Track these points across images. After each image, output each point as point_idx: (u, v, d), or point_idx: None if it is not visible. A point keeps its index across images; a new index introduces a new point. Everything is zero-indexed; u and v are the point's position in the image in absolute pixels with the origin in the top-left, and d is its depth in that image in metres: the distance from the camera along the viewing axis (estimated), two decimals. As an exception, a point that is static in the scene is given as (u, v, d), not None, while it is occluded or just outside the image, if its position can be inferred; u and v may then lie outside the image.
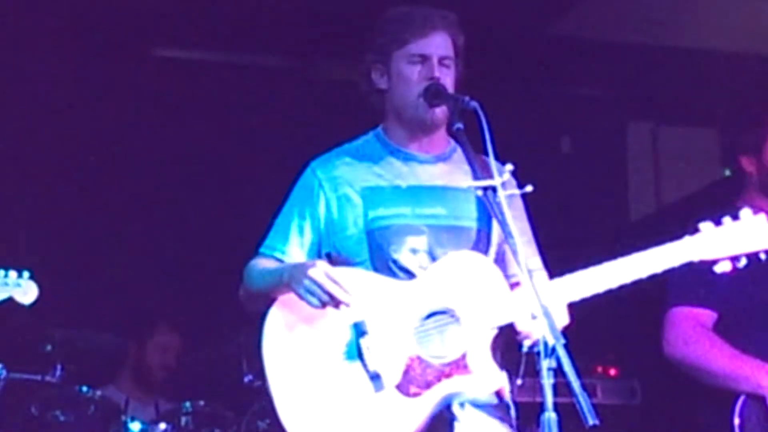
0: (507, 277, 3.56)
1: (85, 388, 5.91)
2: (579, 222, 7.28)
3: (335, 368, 3.45)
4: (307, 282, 3.40)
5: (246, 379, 6.10)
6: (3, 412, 5.55)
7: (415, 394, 3.40)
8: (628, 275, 3.47)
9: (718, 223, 3.55)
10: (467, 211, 3.63)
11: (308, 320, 3.50)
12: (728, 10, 6.39)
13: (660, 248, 3.50)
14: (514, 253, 3.24)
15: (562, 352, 2.98)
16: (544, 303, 3.07)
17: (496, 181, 3.34)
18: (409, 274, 3.55)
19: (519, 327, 3.41)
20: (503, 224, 3.28)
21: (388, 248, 3.57)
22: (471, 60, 3.78)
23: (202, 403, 6.16)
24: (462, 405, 3.47)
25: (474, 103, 3.42)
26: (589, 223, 7.36)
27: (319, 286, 3.38)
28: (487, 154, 3.36)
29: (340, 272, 3.51)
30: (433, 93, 3.59)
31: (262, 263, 3.69)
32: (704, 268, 4.33)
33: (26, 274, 4.91)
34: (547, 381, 2.98)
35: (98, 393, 5.95)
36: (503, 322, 3.44)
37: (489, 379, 3.45)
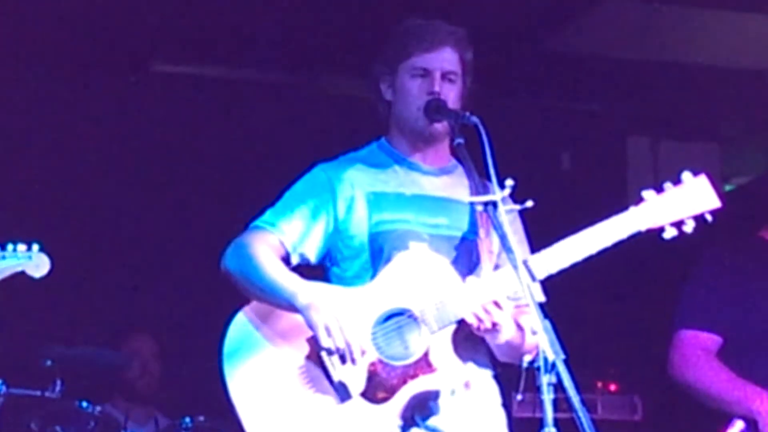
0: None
1: (84, 404, 5.89)
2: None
3: (301, 384, 3.43)
4: (330, 321, 3.34)
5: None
6: (3, 428, 5.54)
7: (384, 399, 3.40)
8: (579, 252, 3.45)
9: (660, 190, 3.52)
10: (467, 224, 3.64)
11: (270, 337, 3.48)
12: (726, 26, 6.39)
13: (608, 221, 3.48)
14: (514, 268, 3.26)
15: (562, 368, 2.99)
16: (544, 319, 3.09)
17: (497, 196, 3.35)
18: None
19: (468, 320, 3.40)
20: (504, 239, 3.30)
21: (390, 251, 3.56)
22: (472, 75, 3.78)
23: (201, 418, 6.14)
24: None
25: (474, 119, 3.44)
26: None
27: (340, 330, 3.33)
28: (487, 169, 3.37)
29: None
30: (434, 108, 3.61)
31: (265, 251, 3.59)
32: (711, 292, 4.37)
33: (36, 246, 4.53)
34: (547, 396, 2.99)
35: (98, 409, 5.93)
36: (460, 316, 3.42)
37: (455, 374, 3.44)
